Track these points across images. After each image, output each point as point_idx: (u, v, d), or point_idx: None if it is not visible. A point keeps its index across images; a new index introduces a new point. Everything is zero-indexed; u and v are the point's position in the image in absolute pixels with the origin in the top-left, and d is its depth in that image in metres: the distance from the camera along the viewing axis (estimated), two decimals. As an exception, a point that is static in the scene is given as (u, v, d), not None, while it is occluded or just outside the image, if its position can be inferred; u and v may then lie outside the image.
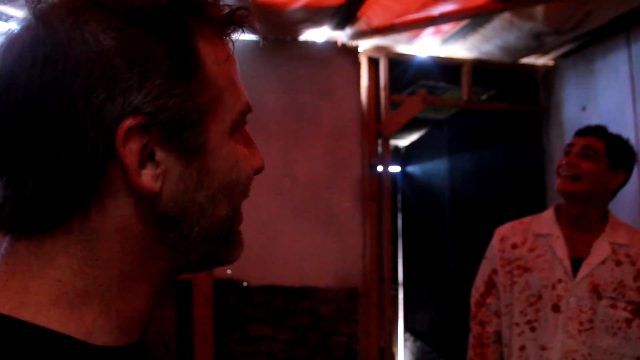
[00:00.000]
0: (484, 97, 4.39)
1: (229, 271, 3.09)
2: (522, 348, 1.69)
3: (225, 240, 0.54)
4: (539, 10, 2.79)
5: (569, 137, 3.32)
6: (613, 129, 3.01)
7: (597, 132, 1.74)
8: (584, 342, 1.57)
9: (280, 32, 3.19)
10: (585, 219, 1.69)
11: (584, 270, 1.62)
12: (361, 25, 3.06)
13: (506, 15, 2.89)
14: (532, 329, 1.67)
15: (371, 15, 2.96)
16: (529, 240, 1.76)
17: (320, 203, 3.21)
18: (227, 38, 0.56)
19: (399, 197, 6.12)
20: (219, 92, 0.51)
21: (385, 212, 3.24)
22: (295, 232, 3.17)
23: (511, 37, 3.10)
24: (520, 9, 2.79)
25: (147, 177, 0.46)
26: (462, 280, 3.96)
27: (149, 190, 0.46)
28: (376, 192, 3.25)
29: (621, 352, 1.56)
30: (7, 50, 0.45)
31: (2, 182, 0.46)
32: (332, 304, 3.14)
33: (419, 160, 5.77)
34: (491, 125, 4.17)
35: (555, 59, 3.48)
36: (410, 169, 6.00)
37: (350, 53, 3.31)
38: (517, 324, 1.71)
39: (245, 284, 3.09)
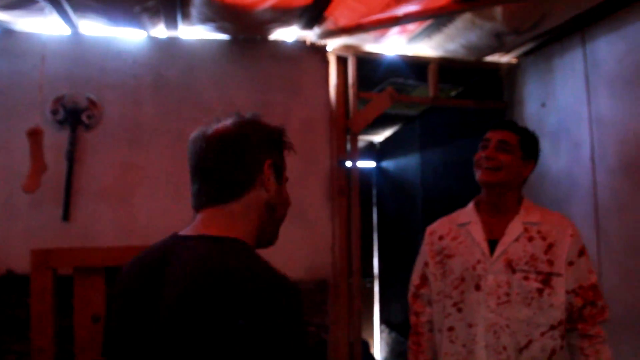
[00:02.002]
0: (452, 93, 4.51)
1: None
2: (451, 329, 1.82)
3: (278, 228, 1.23)
4: (498, 11, 2.90)
5: (530, 132, 3.45)
6: (569, 124, 3.16)
7: (511, 126, 1.90)
8: (502, 314, 1.71)
9: (250, 32, 3.27)
10: (502, 204, 1.86)
11: (499, 249, 1.78)
12: (329, 25, 3.15)
13: (468, 16, 2.99)
14: (459, 310, 1.80)
15: (338, 15, 3.05)
16: (452, 230, 1.93)
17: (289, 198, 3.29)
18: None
19: (374, 192, 6.23)
20: (284, 166, 1.21)
21: (354, 206, 3.34)
22: (266, 227, 3.26)
23: (473, 37, 3.21)
24: (480, 10, 2.90)
25: (270, 182, 1.14)
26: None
27: (270, 188, 1.14)
28: (345, 187, 3.35)
29: (537, 322, 1.69)
30: (224, 134, 1.14)
31: (199, 184, 1.15)
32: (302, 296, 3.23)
33: (393, 156, 5.88)
34: (459, 121, 4.28)
35: (518, 57, 3.60)
36: (385, 164, 6.10)
37: (319, 52, 3.40)
38: (445, 307, 1.85)
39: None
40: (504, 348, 1.70)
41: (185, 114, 3.24)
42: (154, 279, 1.06)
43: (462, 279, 1.81)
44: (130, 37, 3.22)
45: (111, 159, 3.13)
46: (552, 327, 1.69)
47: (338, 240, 3.30)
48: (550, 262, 1.73)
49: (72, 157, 3.07)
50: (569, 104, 3.13)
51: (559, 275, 1.72)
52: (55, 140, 3.03)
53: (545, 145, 3.27)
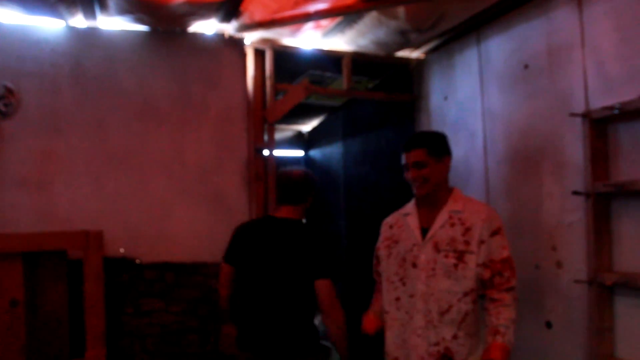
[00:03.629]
0: (370, 86, 4.75)
1: (122, 250, 3.26)
2: (398, 299, 2.29)
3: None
4: (401, 10, 3.14)
5: (434, 124, 3.73)
6: (467, 116, 3.44)
7: (416, 144, 2.27)
8: (430, 285, 2.17)
9: (168, 24, 3.37)
10: (435, 200, 2.29)
11: (429, 234, 2.24)
12: (245, 19, 3.30)
13: (374, 14, 3.22)
14: (404, 284, 2.27)
15: (253, 10, 3.20)
16: (399, 220, 2.42)
17: (208, 184, 3.44)
18: None
19: (303, 180, 6.43)
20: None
21: (271, 192, 3.51)
22: (186, 212, 3.40)
23: (381, 33, 3.44)
24: (384, 9, 3.13)
25: (309, 202, 2.70)
26: (356, 257, 4.32)
27: (308, 204, 2.70)
28: (262, 174, 3.52)
29: (454, 290, 2.14)
30: (294, 174, 2.65)
31: (284, 193, 2.64)
32: (221, 278, 3.39)
33: (320, 145, 6.09)
34: (377, 112, 4.53)
35: (426, 53, 3.87)
36: (313, 153, 6.31)
37: (237, 45, 3.54)
38: (393, 282, 2.32)
39: (138, 261, 3.28)
40: (429, 311, 2.16)
41: (105, 103, 3.32)
42: (263, 231, 2.60)
43: (404, 259, 2.28)
44: (48, 26, 3.26)
45: (29, 147, 3.17)
46: (465, 294, 2.13)
47: (255, 225, 3.47)
48: (467, 242, 2.16)
49: (-12, 145, 3.09)
50: (467, 98, 3.41)
51: (471, 252, 2.15)
52: (-29, 127, 3.05)
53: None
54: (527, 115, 2.92)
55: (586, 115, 2.47)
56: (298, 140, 6.54)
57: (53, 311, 2.94)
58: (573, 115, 2.52)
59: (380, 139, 4.33)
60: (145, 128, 3.38)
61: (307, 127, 6.46)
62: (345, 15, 3.20)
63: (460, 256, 2.15)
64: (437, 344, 2.13)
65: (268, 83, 3.58)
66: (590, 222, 2.44)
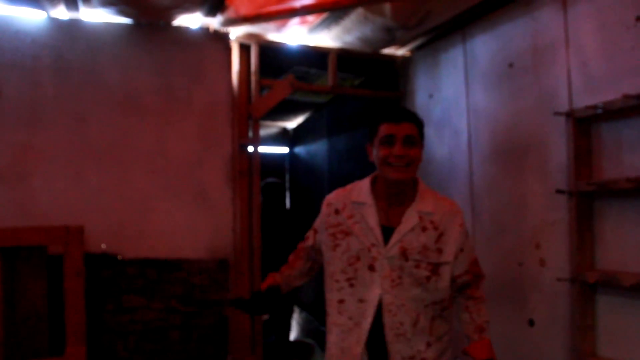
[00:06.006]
0: (356, 83, 4.74)
1: (103, 245, 3.22)
2: (342, 301, 1.90)
3: None
4: (387, 7, 3.13)
5: (419, 121, 3.72)
6: (452, 114, 3.45)
7: (411, 117, 1.89)
8: (397, 295, 1.84)
9: (153, 17, 3.32)
10: (403, 194, 1.90)
11: (395, 237, 1.85)
12: (230, 13, 3.26)
13: (360, 10, 3.20)
14: (351, 285, 1.88)
15: (238, 4, 3.18)
16: (347, 207, 1.95)
17: (192, 180, 3.41)
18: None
19: (287, 177, 6.41)
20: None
21: (255, 188, 3.49)
22: (168, 208, 3.36)
23: (367, 30, 3.43)
24: (370, 5, 3.12)
25: None
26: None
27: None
28: (246, 169, 3.49)
29: (423, 297, 1.85)
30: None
31: None
32: (204, 274, 3.36)
33: (304, 142, 6.08)
34: (362, 110, 4.53)
35: (412, 51, 3.87)
36: (298, 149, 6.30)
37: (222, 39, 3.51)
38: (338, 280, 1.92)
39: (119, 257, 3.23)
40: (401, 324, 1.83)
41: (87, 96, 3.26)
42: None
43: (358, 258, 1.87)
44: (29, 16, 3.19)
45: (8, 139, 3.11)
46: (435, 303, 1.89)
47: (239, 220, 3.45)
48: (440, 251, 1.86)
49: (-35, 138, 3.02)
50: (452, 96, 3.42)
51: (446, 263, 1.87)
52: (-53, 119, 2.98)
53: (431, 133, 3.57)
54: (512, 114, 2.93)
55: (570, 115, 2.48)
56: (283, 136, 6.52)
57: (32, 308, 2.89)
58: (557, 114, 2.54)
59: (365, 136, 4.31)
60: (128, 122, 3.33)
61: (291, 123, 6.44)
62: (331, 11, 3.18)
63: (434, 269, 1.86)
64: (412, 357, 1.84)
65: (253, 78, 3.55)
66: (573, 220, 2.46)
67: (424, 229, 1.87)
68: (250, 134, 3.56)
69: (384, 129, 1.86)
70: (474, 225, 3.20)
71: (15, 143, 3.12)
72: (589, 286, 2.40)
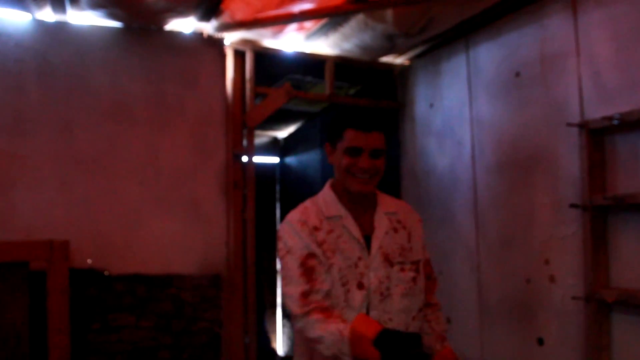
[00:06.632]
0: (351, 92, 4.64)
1: (89, 261, 3.05)
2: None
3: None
4: (389, 13, 3.03)
5: (420, 131, 3.63)
6: (454, 124, 3.35)
7: (379, 124, 1.74)
8: (384, 309, 1.69)
9: (144, 21, 3.18)
10: (367, 200, 1.79)
11: (375, 244, 1.72)
12: (225, 18, 3.14)
13: (361, 17, 3.10)
14: (349, 307, 1.69)
15: (234, 8, 3.05)
16: (323, 223, 1.75)
17: (184, 192, 3.25)
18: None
19: (278, 188, 6.27)
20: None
21: (250, 200, 3.35)
22: (159, 221, 3.20)
23: (367, 37, 3.33)
24: (372, 12, 3.01)
25: None
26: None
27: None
28: (240, 181, 3.35)
29: (411, 308, 1.74)
30: None
31: None
32: (195, 291, 3.20)
33: (296, 152, 5.95)
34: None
35: (410, 60, 3.77)
36: (289, 160, 6.16)
37: (216, 45, 3.38)
38: (337, 304, 1.70)
39: (106, 273, 3.07)
40: None
41: (74, 103, 3.10)
42: None
43: (347, 278, 1.70)
44: (12, 18, 3.03)
45: (-11, 148, 2.94)
46: (419, 310, 1.78)
47: (233, 235, 3.30)
48: (412, 249, 1.79)
49: (-57, 145, 2.85)
50: (454, 105, 3.32)
51: (420, 261, 1.80)
52: None
53: (432, 144, 3.47)
54: (519, 124, 2.84)
55: (583, 126, 2.39)
56: (273, 146, 6.38)
57: (12, 328, 2.71)
58: (570, 125, 2.44)
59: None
60: (117, 130, 3.17)
61: (282, 133, 6.31)
62: (331, 17, 3.07)
63: (417, 268, 1.77)
64: None
65: (248, 86, 3.42)
66: (588, 235, 2.36)
67: (395, 230, 1.79)
68: (245, 143, 3.42)
69: (350, 138, 1.71)
70: (477, 239, 3.10)
71: (-4, 151, 2.95)
72: (605, 305, 2.30)
